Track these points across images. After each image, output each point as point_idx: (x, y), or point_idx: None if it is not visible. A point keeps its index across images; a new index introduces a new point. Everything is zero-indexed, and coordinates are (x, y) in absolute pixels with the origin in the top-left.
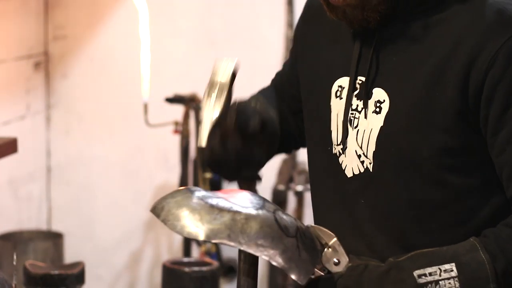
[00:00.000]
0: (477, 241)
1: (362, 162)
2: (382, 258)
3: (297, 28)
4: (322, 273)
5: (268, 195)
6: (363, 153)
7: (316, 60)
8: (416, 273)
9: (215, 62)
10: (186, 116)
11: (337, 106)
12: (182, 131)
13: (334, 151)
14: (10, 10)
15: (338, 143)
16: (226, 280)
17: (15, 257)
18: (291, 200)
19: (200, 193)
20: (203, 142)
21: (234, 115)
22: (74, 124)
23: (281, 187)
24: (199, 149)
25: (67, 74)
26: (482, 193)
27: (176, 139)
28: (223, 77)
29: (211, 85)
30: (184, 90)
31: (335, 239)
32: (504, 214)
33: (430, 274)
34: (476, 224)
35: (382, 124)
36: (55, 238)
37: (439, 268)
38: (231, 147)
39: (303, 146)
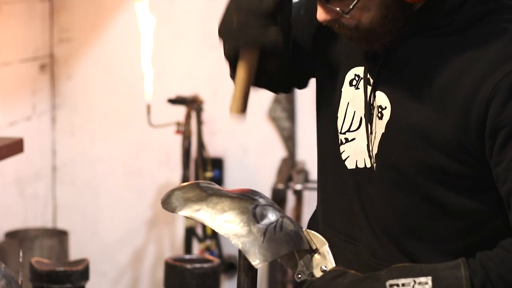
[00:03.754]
0: (463, 260)
1: (370, 158)
2: (375, 255)
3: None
4: (309, 278)
5: (267, 194)
6: (372, 150)
7: (335, 39)
8: (388, 282)
9: None
10: (188, 117)
11: (349, 95)
12: (184, 131)
13: (337, 138)
14: (16, 14)
15: (343, 131)
16: (226, 276)
17: (21, 254)
18: (290, 199)
19: (204, 182)
20: None
21: None
22: (79, 125)
23: (280, 186)
24: None
25: (72, 76)
26: (482, 215)
27: (178, 139)
28: None
29: None
30: (186, 92)
31: (326, 245)
32: (504, 237)
33: (403, 284)
34: (474, 241)
35: (383, 131)
36: (60, 236)
37: (414, 280)
38: None
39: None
